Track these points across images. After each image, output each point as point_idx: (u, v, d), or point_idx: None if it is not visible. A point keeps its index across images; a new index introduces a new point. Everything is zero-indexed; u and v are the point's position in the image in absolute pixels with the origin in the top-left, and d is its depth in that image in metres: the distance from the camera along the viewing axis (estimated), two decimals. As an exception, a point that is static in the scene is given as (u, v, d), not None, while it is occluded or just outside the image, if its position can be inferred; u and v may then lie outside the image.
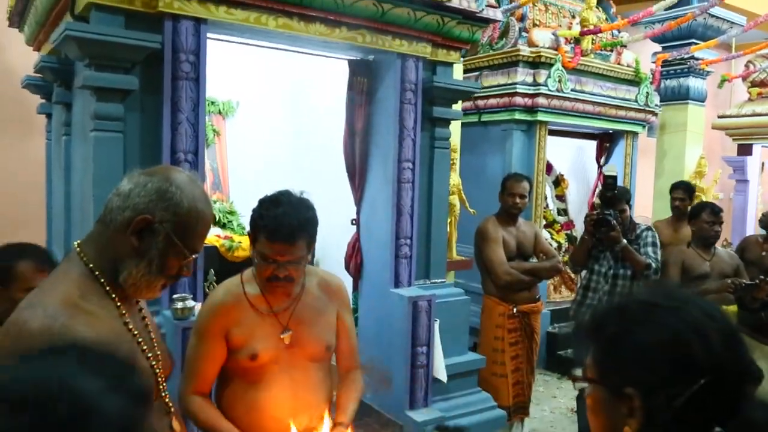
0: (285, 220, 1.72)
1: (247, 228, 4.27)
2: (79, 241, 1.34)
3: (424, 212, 3.55)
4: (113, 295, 1.29)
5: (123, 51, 2.56)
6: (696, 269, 3.90)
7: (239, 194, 4.44)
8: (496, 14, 3.52)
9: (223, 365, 1.88)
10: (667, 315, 0.88)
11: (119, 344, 1.24)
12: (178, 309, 2.60)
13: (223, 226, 4.00)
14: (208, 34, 2.78)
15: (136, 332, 1.32)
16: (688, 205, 4.89)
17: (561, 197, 6.83)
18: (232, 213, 4.14)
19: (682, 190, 5.07)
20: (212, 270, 3.23)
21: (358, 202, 3.56)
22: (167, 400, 1.39)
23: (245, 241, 3.74)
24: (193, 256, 1.33)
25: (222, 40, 3.11)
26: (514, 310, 3.94)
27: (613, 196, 3.71)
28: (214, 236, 3.75)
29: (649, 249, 3.83)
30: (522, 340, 4.00)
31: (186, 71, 2.69)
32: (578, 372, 0.99)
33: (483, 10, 3.41)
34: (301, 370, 1.88)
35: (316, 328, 1.93)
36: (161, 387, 1.38)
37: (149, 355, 1.33)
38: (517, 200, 3.99)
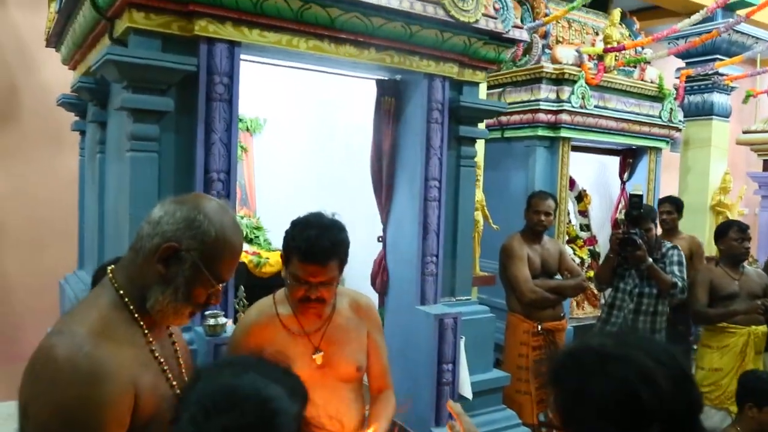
0: (317, 242, 1.78)
1: (274, 244, 4.32)
2: (112, 266, 1.37)
3: (450, 230, 3.58)
4: (141, 323, 1.31)
5: (160, 73, 2.63)
6: (725, 289, 3.88)
7: (266, 210, 4.51)
8: (522, 35, 3.56)
9: None
10: (617, 366, 0.94)
11: (142, 372, 1.26)
12: (209, 326, 2.65)
13: (250, 242, 4.05)
14: (241, 56, 2.84)
15: (162, 360, 1.34)
16: (675, 219, 4.83)
17: (584, 213, 6.80)
18: (258, 228, 4.20)
19: (669, 203, 5.02)
20: (242, 286, 3.27)
21: (385, 219, 3.60)
22: None
23: (273, 257, 3.80)
24: (221, 285, 1.36)
25: (255, 62, 3.18)
26: (539, 327, 3.95)
27: (638, 215, 3.72)
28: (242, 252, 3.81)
29: (675, 268, 3.82)
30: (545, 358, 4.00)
31: (220, 93, 2.75)
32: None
33: (509, 30, 3.45)
34: (333, 390, 1.92)
35: (348, 349, 1.97)
36: None
37: (174, 382, 1.34)
38: (542, 218, 4.01)
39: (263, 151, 4.71)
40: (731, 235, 3.92)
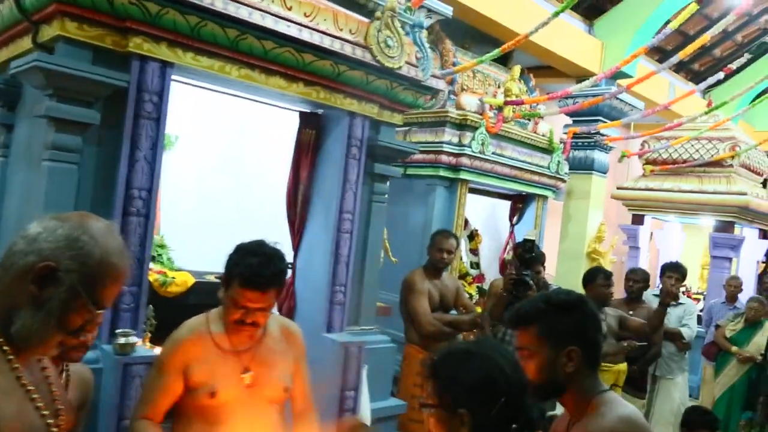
0: (260, 271, 1.85)
1: (177, 263, 4.25)
2: None
3: (359, 261, 3.71)
4: (4, 347, 1.19)
5: (90, 86, 2.60)
6: None
7: (170, 229, 4.43)
8: (439, 84, 3.82)
9: (181, 402, 1.95)
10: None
11: (5, 401, 1.16)
12: (119, 344, 2.60)
13: (153, 259, 3.98)
14: (173, 77, 2.86)
15: (30, 387, 1.22)
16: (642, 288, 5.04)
17: (474, 251, 7.20)
18: (162, 246, 4.13)
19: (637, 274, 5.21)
20: (150, 306, 3.22)
21: (296, 246, 3.68)
22: None
23: (179, 277, 3.76)
24: (100, 312, 1.23)
25: (184, 83, 3.19)
26: (434, 359, 4.15)
27: (531, 258, 4.04)
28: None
29: None
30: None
31: (148, 111, 2.75)
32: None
33: (428, 79, 3.69)
34: (260, 410, 1.98)
35: (276, 370, 2.04)
36: None
37: (45, 412, 1.23)
38: (445, 255, 4.25)
39: (172, 168, 4.64)
40: (598, 281, 4.34)
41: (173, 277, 3.72)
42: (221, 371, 1.93)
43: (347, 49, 3.24)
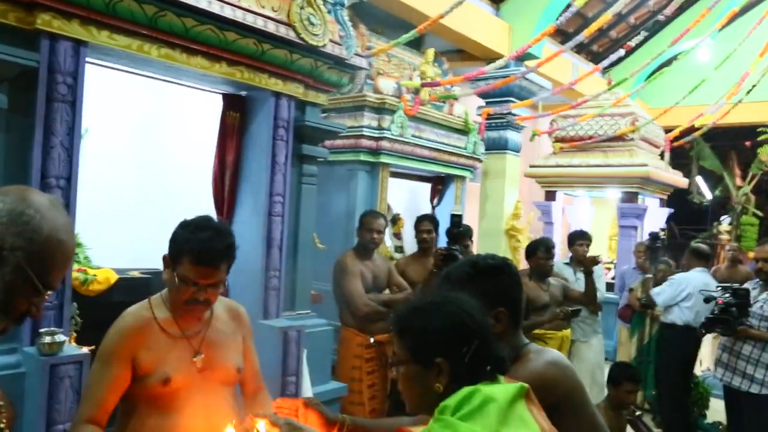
0: (211, 245, 1.79)
1: (95, 261, 4.02)
2: None
3: (291, 245, 3.65)
4: None
5: (-5, 66, 2.39)
6: (539, 300, 4.41)
7: (85, 227, 4.17)
8: (362, 62, 3.80)
9: (128, 394, 1.84)
10: (447, 307, 1.36)
11: None
12: (45, 344, 2.42)
13: (69, 258, 3.73)
14: (87, 59, 2.69)
15: None
16: (434, 238, 5.01)
17: (398, 235, 7.25)
18: (78, 245, 3.88)
19: (428, 221, 5.14)
20: (74, 303, 3.02)
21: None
22: None
23: (101, 274, 3.54)
24: (48, 293, 1.14)
25: (101, 65, 3.00)
26: (372, 340, 4.15)
27: (458, 232, 4.11)
28: (63, 268, 3.49)
29: None
30: (378, 368, 4.21)
31: (62, 93, 2.57)
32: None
33: (352, 57, 3.66)
34: (214, 394, 1.91)
35: (227, 352, 1.97)
36: None
37: None
38: (375, 236, 4.25)
39: (82, 161, 4.38)
40: (539, 254, 4.47)
41: (94, 275, 3.50)
42: (172, 356, 1.84)
43: (270, 27, 3.16)
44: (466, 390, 1.23)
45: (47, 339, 2.44)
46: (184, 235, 1.81)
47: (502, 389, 1.27)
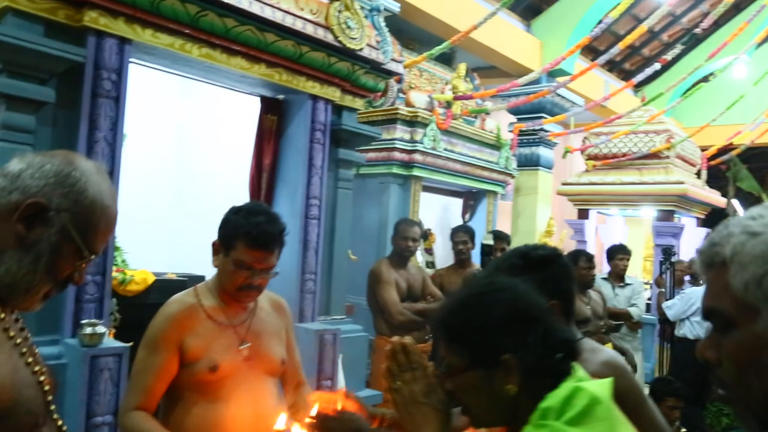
0: (266, 228, 1.79)
1: (132, 264, 4.04)
2: None
3: (327, 249, 3.63)
4: None
5: (43, 60, 2.44)
6: (581, 314, 4.30)
7: (121, 230, 4.22)
8: (399, 68, 3.80)
9: (174, 382, 1.82)
10: (500, 295, 1.15)
11: None
12: (86, 335, 2.43)
13: (106, 262, 3.77)
14: (131, 59, 2.73)
15: (19, 341, 1.08)
16: (470, 248, 4.98)
17: (429, 250, 7.21)
18: (116, 249, 3.91)
19: (463, 232, 5.10)
20: (114, 299, 3.03)
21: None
22: (60, 423, 1.16)
23: (138, 275, 3.56)
24: (92, 257, 1.12)
25: (143, 65, 3.05)
26: (406, 349, 4.08)
27: (489, 260, 4.01)
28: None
29: None
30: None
31: (107, 89, 2.61)
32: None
33: (388, 62, 3.67)
34: (259, 383, 1.88)
35: (272, 342, 1.95)
36: (51, 407, 1.14)
37: (36, 368, 1.10)
38: (410, 243, 4.21)
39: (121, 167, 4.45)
40: (581, 263, 4.34)
41: (132, 275, 3.53)
42: (219, 344, 1.81)
43: (309, 29, 3.19)
44: (566, 389, 1.05)
45: (88, 330, 2.44)
46: (237, 219, 1.80)
47: (600, 386, 1.07)
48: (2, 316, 1.06)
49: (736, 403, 0.75)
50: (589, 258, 4.36)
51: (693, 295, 5.06)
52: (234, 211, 1.84)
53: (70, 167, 1.07)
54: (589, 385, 1.07)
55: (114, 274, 3.44)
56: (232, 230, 1.79)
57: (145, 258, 4.12)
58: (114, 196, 1.14)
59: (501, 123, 7.19)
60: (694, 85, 8.14)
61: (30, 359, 1.09)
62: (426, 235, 7.38)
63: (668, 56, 6.17)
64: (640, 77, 6.23)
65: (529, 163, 7.78)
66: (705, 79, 7.48)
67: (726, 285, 0.73)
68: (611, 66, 10.31)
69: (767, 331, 0.68)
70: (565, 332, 1.18)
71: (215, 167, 4.44)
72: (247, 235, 1.76)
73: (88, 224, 1.08)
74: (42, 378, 1.11)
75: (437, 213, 7.46)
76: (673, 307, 5.12)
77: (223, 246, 1.82)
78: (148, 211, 4.36)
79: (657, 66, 6.08)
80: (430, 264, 7.34)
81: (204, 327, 1.82)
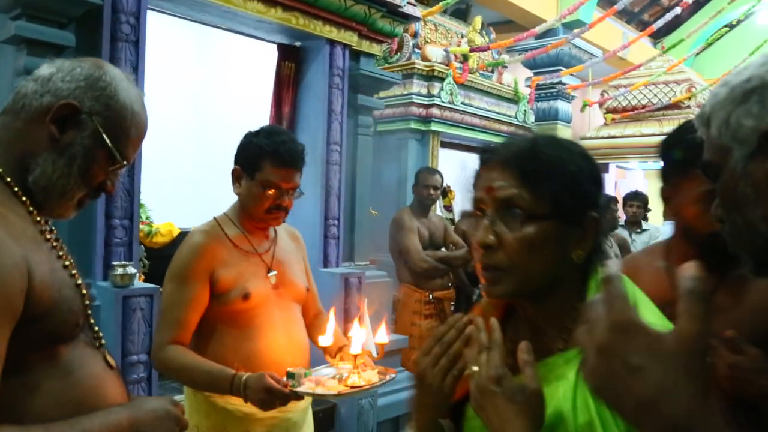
0: (291, 146, 1.78)
1: (156, 221, 4.07)
2: None
3: (349, 195, 3.64)
4: (23, 198, 1.03)
5: (61, 3, 2.44)
6: (606, 257, 4.32)
7: (144, 188, 4.27)
8: (415, 11, 3.76)
9: (206, 313, 1.80)
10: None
11: (33, 249, 1.00)
12: (117, 275, 2.46)
13: (131, 218, 3.82)
14: (149, 6, 2.72)
15: (55, 243, 1.08)
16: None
17: (448, 208, 7.19)
18: (141, 206, 3.96)
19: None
20: (142, 245, 3.08)
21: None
22: (96, 329, 1.15)
23: (163, 228, 3.61)
24: (124, 164, 1.11)
25: (161, 11, 3.04)
26: (431, 296, 4.11)
27: None
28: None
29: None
30: (437, 326, 4.16)
31: (126, 33, 2.61)
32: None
33: (405, 5, 3.62)
34: (288, 310, 1.88)
35: (295, 270, 1.95)
36: (89, 312, 1.13)
37: (73, 272, 1.09)
38: (431, 191, 4.20)
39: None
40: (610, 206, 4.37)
41: (158, 228, 3.57)
42: (249, 272, 1.80)
43: (324, -29, 3.15)
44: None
45: (119, 271, 2.47)
46: (260, 140, 1.78)
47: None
48: (39, 219, 1.06)
49: (732, 245, 0.80)
50: (613, 200, 4.35)
51: None
52: (253, 135, 1.83)
53: (100, 71, 1.07)
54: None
55: (141, 226, 3.48)
56: (256, 151, 1.77)
57: (169, 214, 4.16)
58: (143, 103, 1.13)
59: (518, 77, 7.09)
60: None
61: (67, 263, 1.09)
62: (445, 193, 7.38)
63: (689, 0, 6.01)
64: (659, 23, 6.08)
65: (547, 117, 7.67)
66: (729, 25, 7.30)
67: (709, 137, 0.80)
68: (629, 17, 10.09)
69: (738, 165, 0.75)
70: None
71: (234, 121, 4.44)
72: (274, 154, 1.75)
73: (119, 129, 1.08)
74: (80, 281, 1.11)
75: (456, 171, 7.43)
76: None
77: (245, 170, 1.80)
78: (169, 168, 4.39)
79: (677, 10, 5.94)
80: (450, 221, 7.34)
81: (232, 256, 1.80)
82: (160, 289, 2.71)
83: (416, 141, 5.90)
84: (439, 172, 4.43)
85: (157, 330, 1.83)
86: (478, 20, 6.47)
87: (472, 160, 5.08)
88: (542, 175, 0.91)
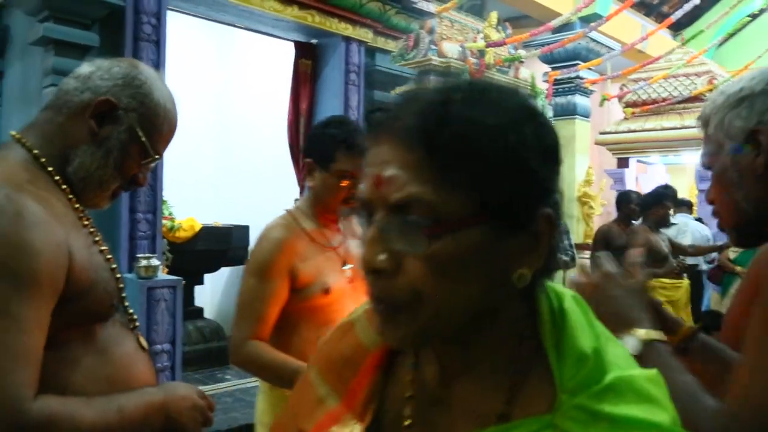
0: (362, 134, 1.69)
1: (178, 217, 4.15)
2: (14, 132, 1.13)
3: (366, 191, 3.69)
4: (63, 186, 1.09)
5: (85, 5, 2.53)
6: (661, 252, 4.32)
7: (166, 183, 4.37)
8: (429, 7, 3.80)
9: (284, 309, 1.74)
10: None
11: (72, 231, 1.05)
12: (142, 267, 2.55)
13: (154, 214, 3.91)
14: (169, 7, 2.81)
15: (92, 229, 1.13)
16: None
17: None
18: (163, 202, 4.05)
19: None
20: (165, 239, 3.17)
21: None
22: (131, 311, 1.20)
23: (186, 223, 3.70)
24: (156, 158, 1.18)
25: (181, 11, 3.12)
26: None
27: None
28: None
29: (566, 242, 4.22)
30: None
31: (147, 33, 2.70)
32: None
33: (419, 2, 3.67)
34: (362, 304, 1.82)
35: None
36: (123, 294, 1.18)
37: (108, 256, 1.14)
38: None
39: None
40: (666, 202, 4.34)
41: (180, 224, 3.66)
42: (327, 266, 1.75)
43: (339, -31, 3.21)
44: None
45: (143, 263, 2.56)
46: (332, 131, 1.73)
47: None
48: (77, 206, 1.13)
49: (720, 221, 1.03)
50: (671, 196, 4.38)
51: None
52: (322, 126, 1.79)
53: (136, 71, 1.15)
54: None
55: (163, 221, 3.57)
56: (330, 142, 1.72)
57: (191, 210, 4.26)
58: (174, 101, 1.20)
59: (535, 72, 7.09)
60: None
61: (103, 248, 1.15)
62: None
63: (708, -9, 5.95)
64: (678, 14, 6.04)
65: (566, 112, 7.65)
66: (752, 15, 7.22)
67: (707, 135, 0.99)
68: (648, 10, 9.99)
69: (727, 158, 0.96)
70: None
71: (253, 118, 4.53)
72: (349, 142, 1.70)
73: (152, 125, 1.15)
74: (114, 265, 1.16)
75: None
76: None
77: (319, 162, 1.74)
78: (191, 165, 4.48)
79: (696, 1, 5.89)
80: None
81: (309, 250, 1.75)
82: (183, 282, 2.81)
83: (434, 137, 5.94)
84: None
85: (236, 325, 1.78)
86: (493, 16, 6.49)
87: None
88: (461, 155, 0.56)
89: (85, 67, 1.13)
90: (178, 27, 3.21)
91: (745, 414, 0.82)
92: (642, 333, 0.96)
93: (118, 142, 1.11)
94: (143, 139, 1.13)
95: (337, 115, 1.91)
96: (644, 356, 0.93)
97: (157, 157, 1.17)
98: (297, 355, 1.69)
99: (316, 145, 1.76)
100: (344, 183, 1.71)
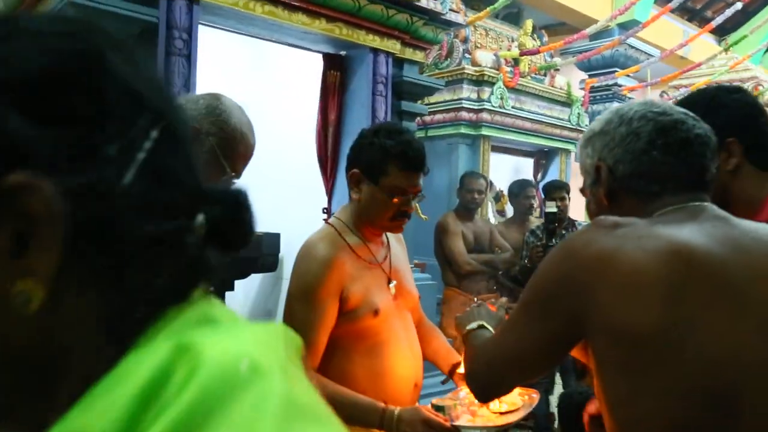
0: (417, 146, 1.59)
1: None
2: None
3: (393, 201, 3.72)
4: None
5: (121, 22, 2.63)
6: None
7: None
8: (458, 18, 3.82)
9: (333, 333, 1.61)
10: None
11: None
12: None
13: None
14: (200, 21, 2.90)
15: None
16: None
17: (501, 212, 7.18)
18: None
19: (531, 187, 4.94)
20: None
21: (330, 191, 3.70)
22: None
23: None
24: (233, 175, 1.36)
25: (212, 26, 3.22)
26: (475, 299, 4.14)
27: (554, 228, 3.91)
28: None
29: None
30: (482, 328, 4.19)
31: (179, 48, 2.79)
32: None
33: (447, 12, 3.69)
34: (406, 321, 1.74)
35: (408, 277, 1.82)
36: None
37: None
38: (476, 196, 4.25)
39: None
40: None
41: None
42: (374, 285, 1.65)
43: (366, -18, 3.26)
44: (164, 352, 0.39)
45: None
46: (383, 141, 1.58)
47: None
48: None
49: None
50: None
51: None
52: (372, 134, 1.64)
53: (217, 101, 1.38)
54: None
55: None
56: (381, 153, 1.57)
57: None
58: (251, 128, 1.43)
59: (572, 80, 7.02)
60: (782, 29, 7.64)
61: None
62: (498, 197, 7.36)
63: (750, -4, 5.81)
64: (719, 19, 5.91)
65: (603, 120, 7.58)
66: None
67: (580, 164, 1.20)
68: (691, 15, 9.79)
69: (588, 191, 1.15)
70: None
71: (283, 130, 4.61)
72: (402, 156, 1.56)
73: (229, 147, 1.35)
74: None
75: (508, 174, 7.41)
76: None
77: (367, 174, 1.60)
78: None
79: (738, 5, 5.76)
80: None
81: (356, 268, 1.63)
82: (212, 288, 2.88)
83: (467, 146, 5.94)
84: (484, 176, 4.47)
85: None
86: (529, 23, 6.46)
87: (525, 164, 5.11)
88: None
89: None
90: (209, 41, 3.31)
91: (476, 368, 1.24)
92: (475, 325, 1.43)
93: (202, 162, 1.30)
94: (222, 159, 1.34)
95: (388, 123, 1.85)
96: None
97: (233, 174, 1.37)
98: (346, 377, 1.60)
99: (365, 155, 1.62)
100: (395, 199, 1.58)
